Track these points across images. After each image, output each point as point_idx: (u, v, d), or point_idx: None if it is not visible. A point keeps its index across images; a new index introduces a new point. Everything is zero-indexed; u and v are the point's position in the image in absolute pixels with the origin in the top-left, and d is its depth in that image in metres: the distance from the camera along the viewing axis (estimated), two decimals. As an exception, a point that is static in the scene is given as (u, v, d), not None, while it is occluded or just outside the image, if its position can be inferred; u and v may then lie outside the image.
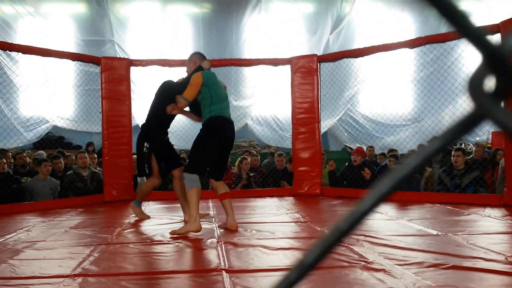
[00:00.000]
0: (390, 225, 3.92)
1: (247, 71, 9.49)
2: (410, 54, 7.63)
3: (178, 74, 8.35)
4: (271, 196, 6.31)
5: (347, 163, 6.80)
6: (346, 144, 10.23)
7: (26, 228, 4.01)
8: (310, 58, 6.54)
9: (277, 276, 2.36)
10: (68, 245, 3.27)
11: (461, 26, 0.26)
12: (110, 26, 9.76)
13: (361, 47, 6.44)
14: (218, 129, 3.70)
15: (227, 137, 3.80)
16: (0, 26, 9.14)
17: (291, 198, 6.12)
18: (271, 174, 6.92)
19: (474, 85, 0.25)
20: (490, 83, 0.24)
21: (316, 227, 3.79)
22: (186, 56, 7.42)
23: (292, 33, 10.36)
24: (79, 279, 2.37)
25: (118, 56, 8.97)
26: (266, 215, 4.59)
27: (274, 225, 3.96)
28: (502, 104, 0.24)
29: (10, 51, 6.49)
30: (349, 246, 2.96)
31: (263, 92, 9.85)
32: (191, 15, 10.49)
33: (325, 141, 10.10)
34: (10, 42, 8.06)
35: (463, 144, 9.19)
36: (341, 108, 9.82)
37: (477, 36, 0.25)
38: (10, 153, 6.68)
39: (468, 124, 0.27)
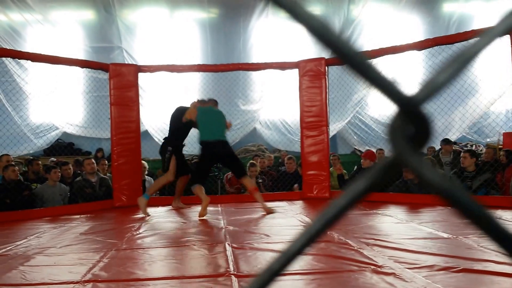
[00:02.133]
0: (400, 228, 3.89)
1: (255, 75, 9.50)
2: (418, 56, 7.59)
3: (185, 79, 8.45)
4: (281, 199, 6.29)
5: (356, 166, 6.76)
6: (355, 147, 10.19)
7: (36, 235, 4.04)
8: (318, 62, 6.53)
9: (286, 281, 2.35)
10: (78, 251, 3.29)
11: (376, 81, 0.28)
12: (118, 32, 9.83)
13: (370, 49, 6.42)
14: (205, 151, 5.02)
15: (214, 153, 5.00)
16: (9, 34, 9.24)
17: (301, 201, 6.10)
18: (281, 177, 6.91)
19: (393, 132, 0.27)
20: (409, 130, 0.26)
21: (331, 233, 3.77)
22: (193, 62, 7.43)
23: (299, 36, 10.36)
24: (89, 285, 2.37)
25: (126, 62, 9.02)
26: (275, 219, 4.58)
27: (283, 229, 3.95)
28: (418, 151, 0.25)
29: (19, 59, 6.57)
30: (359, 249, 2.94)
31: (271, 96, 9.85)
32: (199, 20, 10.53)
33: (334, 144, 10.06)
34: (19, 50, 8.14)
35: (474, 146, 9.10)
36: (349, 111, 9.79)
37: (391, 89, 0.27)
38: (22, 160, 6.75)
39: (388, 169, 0.28)
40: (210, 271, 2.65)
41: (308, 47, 10.09)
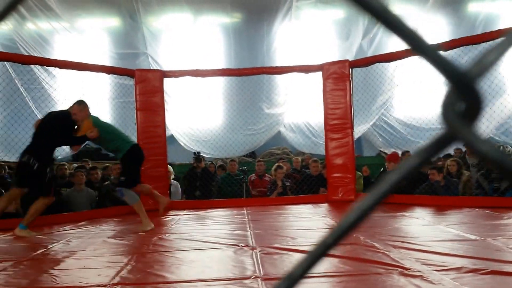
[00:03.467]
0: (428, 230, 3.83)
1: (279, 78, 9.51)
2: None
3: (210, 84, 8.52)
4: (306, 203, 6.27)
5: (382, 169, 6.68)
6: (381, 149, 10.06)
7: (66, 239, 4.12)
8: (342, 64, 6.49)
9: (312, 284, 2.34)
10: (106, 255, 3.34)
11: (430, 56, 0.29)
12: (143, 39, 9.99)
13: (394, 51, 6.36)
14: (136, 155, 4.68)
15: (143, 156, 4.75)
16: (38, 42, 9.50)
17: (326, 204, 6.06)
18: (305, 180, 6.89)
19: (446, 108, 0.27)
20: (461, 106, 0.26)
21: (352, 233, 3.72)
22: (217, 66, 7.49)
23: (323, 39, 10.32)
24: (118, 288, 2.42)
25: (151, 68, 9.15)
26: (301, 222, 4.56)
27: (309, 232, 3.93)
28: (472, 126, 0.26)
29: (48, 66, 6.75)
30: (386, 252, 2.90)
31: (295, 99, 9.84)
32: (222, 25, 10.62)
33: (359, 147, 9.96)
34: (47, 57, 8.37)
35: (501, 147, 8.87)
36: (374, 113, 9.68)
37: (445, 64, 0.28)
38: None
39: (442, 143, 0.28)
40: (237, 274, 2.66)
41: (332, 50, 10.06)
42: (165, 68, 8.69)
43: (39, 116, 8.89)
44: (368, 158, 9.57)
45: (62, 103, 9.12)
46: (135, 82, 6.39)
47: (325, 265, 2.75)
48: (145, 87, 6.34)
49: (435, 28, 10.36)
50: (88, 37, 9.89)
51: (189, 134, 9.42)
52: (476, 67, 0.27)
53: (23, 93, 8.60)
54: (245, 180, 7.19)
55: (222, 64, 9.59)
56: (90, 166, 6.99)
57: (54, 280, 2.63)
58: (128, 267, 2.86)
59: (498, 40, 0.29)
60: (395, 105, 10.19)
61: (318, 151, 9.34)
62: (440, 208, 5.06)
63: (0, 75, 8.61)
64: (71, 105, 4.65)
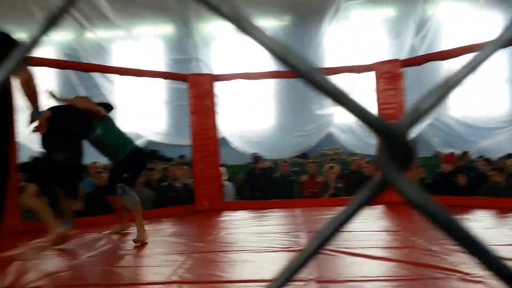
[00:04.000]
0: (489, 234, 3.66)
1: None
2: (503, 54, 7.09)
3: (260, 86, 8.59)
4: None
5: (438, 170, 6.46)
6: (437, 150, 9.72)
7: (125, 237, 4.31)
8: (394, 63, 6.35)
9: (367, 287, 2.32)
10: (163, 253, 3.46)
11: (358, 114, 0.30)
12: (195, 44, 10.25)
13: (448, 48, 6.14)
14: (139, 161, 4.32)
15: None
16: (97, 50, 9.98)
17: (381, 206, 5.94)
18: (359, 181, 6.79)
19: (380, 157, 0.29)
20: (392, 156, 0.28)
21: (408, 237, 3.64)
22: (267, 69, 7.54)
23: (373, 39, 10.13)
24: (174, 286, 2.50)
25: (203, 73, 9.36)
26: (355, 224, 4.49)
27: (364, 234, 3.87)
28: (402, 173, 0.28)
29: (106, 73, 7.08)
30: (444, 256, 2.81)
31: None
32: (271, 28, 10.68)
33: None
34: (106, 65, 8.77)
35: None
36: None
37: (373, 120, 0.29)
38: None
39: (377, 189, 0.30)
40: (290, 275, 2.67)
41: (383, 49, 9.85)
42: (216, 72, 8.85)
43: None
44: (424, 158, 9.25)
45: (120, 107, 9.56)
46: (188, 86, 6.56)
47: (382, 269, 2.71)
48: (198, 91, 6.51)
49: (490, 25, 9.87)
50: (143, 44, 10.27)
51: (241, 136, 9.54)
52: (406, 119, 0.29)
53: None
54: (297, 181, 7.19)
55: (272, 67, 9.64)
56: (149, 167, 7.23)
57: (115, 277, 2.77)
58: (185, 265, 2.95)
59: (432, 88, 0.30)
60: (451, 104, 9.80)
61: (370, 151, 9.17)
62: (502, 211, 4.82)
63: (64, 82, 9.16)
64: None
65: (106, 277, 2.80)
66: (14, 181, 5.01)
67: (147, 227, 4.89)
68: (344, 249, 3.26)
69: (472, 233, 0.28)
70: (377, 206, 5.94)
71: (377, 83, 6.35)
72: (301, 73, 0.31)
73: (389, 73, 6.27)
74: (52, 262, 3.28)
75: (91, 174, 6.71)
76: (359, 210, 0.32)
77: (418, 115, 0.30)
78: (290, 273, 0.32)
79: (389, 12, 10.43)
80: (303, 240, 3.73)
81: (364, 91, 7.56)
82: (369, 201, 0.31)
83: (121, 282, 2.68)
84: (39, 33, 0.37)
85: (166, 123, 10.03)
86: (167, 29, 10.79)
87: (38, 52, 9.83)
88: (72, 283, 2.71)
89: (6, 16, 10.02)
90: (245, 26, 0.33)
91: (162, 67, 9.84)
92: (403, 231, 3.92)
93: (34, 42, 0.35)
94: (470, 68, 0.30)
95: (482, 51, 0.30)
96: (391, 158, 0.28)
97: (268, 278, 2.59)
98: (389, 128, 0.29)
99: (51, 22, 0.34)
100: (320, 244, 0.34)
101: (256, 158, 7.35)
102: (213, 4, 0.32)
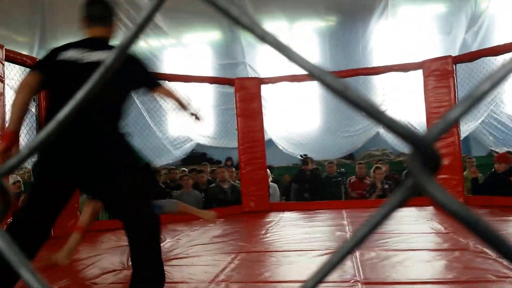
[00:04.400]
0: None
1: (375, 79, 9.26)
2: None
3: (306, 88, 8.58)
4: (409, 205, 6.04)
5: (493, 169, 6.20)
6: (492, 148, 9.30)
7: (176, 237, 4.47)
8: (444, 60, 6.17)
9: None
10: (211, 253, 3.57)
11: (389, 126, 0.33)
12: (241, 48, 10.41)
13: (501, 44, 5.89)
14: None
15: None
16: (149, 58, 10.36)
17: (431, 207, 5.79)
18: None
19: (411, 164, 0.32)
20: (422, 163, 0.32)
21: (460, 239, 3.54)
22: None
23: (423, 36, 9.85)
24: (222, 285, 2.59)
25: (249, 76, 9.49)
26: (403, 226, 4.42)
27: (412, 236, 3.80)
28: (432, 178, 0.31)
29: (158, 80, 7.33)
30: (497, 259, 2.73)
31: (394, 99, 9.50)
32: (317, 29, 10.65)
33: (467, 146, 9.32)
34: (158, 71, 9.09)
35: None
36: (483, 109, 8.97)
37: (404, 130, 0.32)
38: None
39: (408, 193, 0.33)
40: (335, 277, 2.69)
41: (433, 46, 9.56)
42: (262, 75, 8.95)
43: (152, 125, 9.69)
44: (477, 158, 8.89)
45: (171, 112, 9.86)
46: (235, 90, 6.69)
47: (431, 271, 2.67)
48: (244, 94, 6.62)
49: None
50: (192, 51, 10.56)
51: (287, 138, 9.58)
52: (434, 130, 0.33)
53: (139, 105, 9.44)
54: (343, 182, 7.13)
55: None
56: (198, 169, 7.43)
57: (166, 276, 2.89)
58: (232, 265, 3.04)
59: (461, 100, 0.33)
60: (505, 101, 9.35)
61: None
62: None
63: (118, 90, 9.57)
64: None
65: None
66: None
67: (195, 227, 5.05)
68: (392, 251, 3.24)
69: (498, 233, 0.30)
70: (426, 207, 5.80)
71: (426, 82, 6.20)
72: (335, 91, 0.35)
73: (439, 71, 6.10)
74: (112, 259, 3.47)
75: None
76: (392, 213, 0.35)
77: (446, 125, 0.33)
78: (324, 273, 0.36)
79: (440, 7, 10.11)
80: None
81: (413, 90, 7.39)
82: (401, 204, 0.35)
83: (169, 280, 2.80)
84: (128, 42, 0.39)
85: (214, 127, 10.25)
86: (214, 35, 11.04)
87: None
88: (125, 280, 2.86)
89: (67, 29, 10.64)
90: (287, 53, 0.38)
91: (210, 73, 10.07)
92: (454, 233, 3.82)
93: (123, 49, 0.39)
94: (496, 79, 0.33)
95: (497, 72, 0.32)
96: (421, 165, 0.32)
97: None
98: (418, 138, 0.32)
99: (139, 31, 0.39)
100: (354, 245, 0.36)
101: (306, 159, 7.35)
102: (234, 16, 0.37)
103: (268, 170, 7.10)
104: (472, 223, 0.31)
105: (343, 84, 0.34)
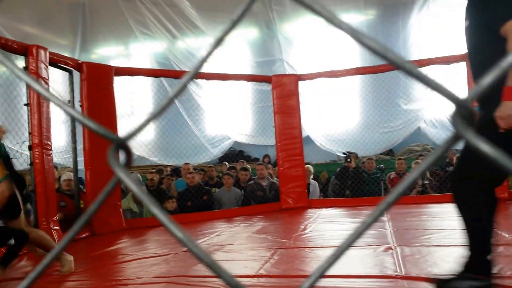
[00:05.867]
0: None
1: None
2: None
3: (345, 83, 8.49)
4: (450, 202, 5.88)
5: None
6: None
7: (216, 233, 4.55)
8: (488, 51, 5.95)
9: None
10: (251, 249, 3.62)
11: (436, 88, 0.40)
12: (278, 45, 10.40)
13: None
14: None
15: None
16: (187, 58, 10.53)
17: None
18: (449, 178, 6.46)
19: (454, 119, 0.39)
20: (462, 118, 0.38)
21: (504, 234, 3.43)
22: (353, 65, 7.41)
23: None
24: (263, 279, 2.62)
25: (287, 73, 9.48)
26: (445, 221, 4.31)
27: (453, 232, 3.71)
28: (471, 130, 0.38)
29: (196, 79, 7.46)
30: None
31: (436, 93, 9.24)
32: (356, 23, 10.49)
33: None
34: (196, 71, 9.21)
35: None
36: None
37: (448, 92, 0.39)
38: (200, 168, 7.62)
39: (451, 142, 0.40)
40: (377, 272, 2.66)
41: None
42: (300, 71, 8.91)
43: (191, 124, 9.85)
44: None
45: (209, 110, 10.00)
46: (272, 87, 6.71)
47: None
48: (282, 91, 6.62)
49: None
50: (230, 49, 10.64)
51: (325, 134, 9.51)
52: (472, 93, 0.39)
53: (177, 104, 9.62)
54: (382, 178, 7.02)
55: (357, 63, 9.48)
56: (242, 167, 7.47)
57: (206, 270, 2.96)
58: (271, 260, 3.07)
59: (493, 67, 0.38)
60: None
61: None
62: None
63: (158, 89, 9.80)
64: None
65: (198, 270, 2.99)
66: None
67: (235, 224, 5.10)
68: (434, 246, 3.18)
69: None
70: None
71: (470, 74, 6.00)
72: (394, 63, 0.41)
73: (483, 63, 5.89)
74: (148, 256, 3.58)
75: (182, 175, 7.14)
76: (437, 161, 0.41)
77: (481, 89, 0.38)
78: (330, 263, 0.41)
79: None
80: (389, 237, 3.67)
81: (455, 83, 7.17)
82: (445, 152, 0.41)
83: (210, 274, 2.86)
84: (209, 53, 0.45)
85: (252, 124, 10.30)
86: (251, 32, 11.08)
87: (135, 63, 10.68)
88: (167, 274, 2.94)
89: (108, 32, 10.98)
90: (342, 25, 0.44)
91: (248, 70, 10.13)
92: (498, 228, 3.69)
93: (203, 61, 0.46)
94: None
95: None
96: (461, 120, 0.38)
97: (352, 274, 2.62)
98: (460, 99, 0.38)
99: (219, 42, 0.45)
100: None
101: (349, 156, 7.27)
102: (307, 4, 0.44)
103: (309, 166, 7.09)
104: (505, 164, 0.36)
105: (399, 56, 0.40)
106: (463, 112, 0.38)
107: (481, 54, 2.05)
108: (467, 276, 2.08)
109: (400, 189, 0.42)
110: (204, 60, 0.45)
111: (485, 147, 0.36)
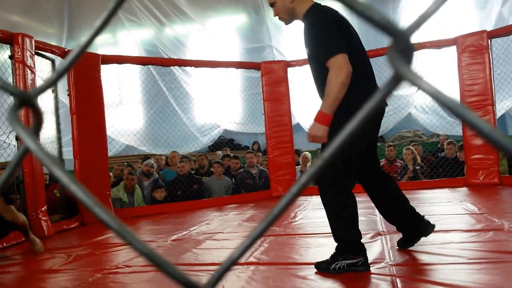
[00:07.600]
0: None
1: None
2: None
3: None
4: (441, 187, 5.90)
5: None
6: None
7: (206, 222, 4.52)
8: (479, 35, 5.92)
9: (449, 270, 2.23)
10: (241, 236, 3.60)
11: (371, 19, 0.34)
12: (267, 32, 10.29)
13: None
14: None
15: None
16: (175, 45, 10.39)
17: (464, 188, 5.63)
18: (440, 163, 6.48)
19: (391, 56, 0.34)
20: (400, 54, 0.34)
21: (494, 219, 3.42)
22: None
23: (457, 10, 9.47)
24: (252, 267, 2.59)
25: (276, 60, 9.39)
26: (436, 207, 4.31)
27: (445, 217, 3.70)
28: (410, 67, 0.33)
29: (185, 66, 7.36)
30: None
31: (427, 77, 9.21)
32: (344, 8, 10.39)
33: (503, 125, 9.00)
34: (184, 58, 9.11)
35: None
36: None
37: (384, 22, 0.34)
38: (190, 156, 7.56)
39: (392, 84, 0.35)
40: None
41: (468, 21, 9.20)
42: (289, 58, 8.83)
43: (180, 113, 9.75)
44: (516, 137, 8.56)
45: (198, 99, 9.90)
46: (261, 74, 6.64)
47: (466, 252, 2.59)
48: (271, 78, 6.56)
49: None
50: (218, 36, 10.51)
51: (315, 121, 9.47)
52: (413, 24, 0.34)
53: (165, 93, 9.50)
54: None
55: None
56: (234, 155, 7.43)
57: (196, 258, 2.93)
58: (261, 248, 3.04)
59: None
60: None
61: (454, 131, 8.67)
62: None
63: (146, 77, 9.67)
64: None
65: (187, 258, 2.96)
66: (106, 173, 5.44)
67: (225, 212, 5.07)
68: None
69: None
70: (460, 188, 5.65)
71: (460, 58, 5.98)
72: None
73: (474, 46, 5.87)
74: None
75: (170, 164, 7.07)
76: (375, 109, 0.36)
77: (423, 19, 0.35)
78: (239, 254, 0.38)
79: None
80: (378, 224, 3.66)
81: (446, 67, 7.15)
82: (386, 96, 0.36)
83: (198, 262, 2.83)
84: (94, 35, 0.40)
85: (241, 112, 10.23)
86: (240, 19, 10.94)
87: (123, 50, 10.51)
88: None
89: (94, 20, 10.77)
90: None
91: (237, 57, 10.01)
92: (489, 213, 3.70)
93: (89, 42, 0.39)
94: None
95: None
96: (400, 56, 0.33)
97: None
98: (398, 29, 0.33)
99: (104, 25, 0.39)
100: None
101: None
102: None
103: (308, 153, 7.08)
104: (449, 104, 0.33)
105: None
106: (402, 46, 0.33)
107: (319, 78, 2.48)
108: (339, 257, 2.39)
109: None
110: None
111: (425, 84, 0.32)
